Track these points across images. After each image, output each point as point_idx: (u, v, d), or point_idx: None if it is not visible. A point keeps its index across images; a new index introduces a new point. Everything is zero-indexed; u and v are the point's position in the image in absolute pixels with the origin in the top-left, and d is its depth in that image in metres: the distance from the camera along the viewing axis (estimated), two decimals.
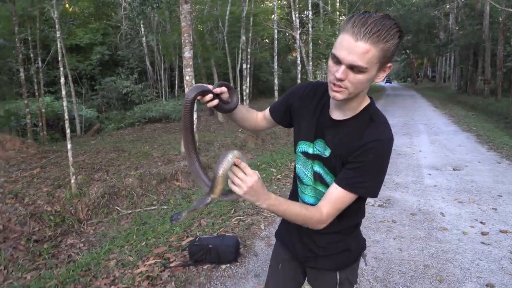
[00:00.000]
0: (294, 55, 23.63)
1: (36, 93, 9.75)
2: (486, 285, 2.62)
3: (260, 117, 1.41)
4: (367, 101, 1.15)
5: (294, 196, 1.37)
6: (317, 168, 1.21)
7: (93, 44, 18.06)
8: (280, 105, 1.35)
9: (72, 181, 4.81)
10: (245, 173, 1.00)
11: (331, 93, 1.06)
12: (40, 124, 9.51)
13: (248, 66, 12.20)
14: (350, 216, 1.22)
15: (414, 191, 4.73)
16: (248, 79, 12.56)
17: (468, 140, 8.32)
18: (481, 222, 3.71)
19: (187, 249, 3.12)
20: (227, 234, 3.41)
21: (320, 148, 1.19)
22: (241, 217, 3.92)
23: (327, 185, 1.19)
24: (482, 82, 19.78)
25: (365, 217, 4.33)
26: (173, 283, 2.70)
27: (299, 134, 1.27)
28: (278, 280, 1.47)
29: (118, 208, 4.74)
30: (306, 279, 1.45)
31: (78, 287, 2.73)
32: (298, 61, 12.17)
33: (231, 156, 1.00)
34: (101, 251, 3.37)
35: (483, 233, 3.46)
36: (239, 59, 14.06)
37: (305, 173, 1.26)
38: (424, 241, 3.32)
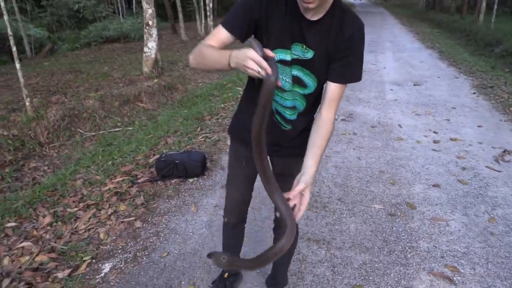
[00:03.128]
0: None
1: None
2: (433, 185, 2.89)
3: (220, 47, 1.21)
4: None
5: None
6: (296, 72, 1.22)
7: None
8: (241, 22, 1.17)
9: (27, 103, 4.55)
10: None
11: (305, 5, 1.05)
12: None
13: None
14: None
15: (375, 106, 4.89)
16: None
17: (430, 57, 8.47)
18: (434, 132, 3.96)
19: (154, 166, 3.16)
20: (193, 150, 3.45)
21: (298, 52, 1.18)
22: (208, 134, 3.95)
23: (305, 86, 1.24)
24: None
25: None
26: (141, 197, 2.78)
27: (270, 44, 1.17)
28: (245, 176, 1.52)
29: (80, 130, 4.61)
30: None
31: (46, 206, 2.75)
32: None
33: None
34: (66, 172, 3.34)
35: (435, 141, 3.71)
36: None
37: (285, 80, 1.24)
38: (381, 150, 3.53)
